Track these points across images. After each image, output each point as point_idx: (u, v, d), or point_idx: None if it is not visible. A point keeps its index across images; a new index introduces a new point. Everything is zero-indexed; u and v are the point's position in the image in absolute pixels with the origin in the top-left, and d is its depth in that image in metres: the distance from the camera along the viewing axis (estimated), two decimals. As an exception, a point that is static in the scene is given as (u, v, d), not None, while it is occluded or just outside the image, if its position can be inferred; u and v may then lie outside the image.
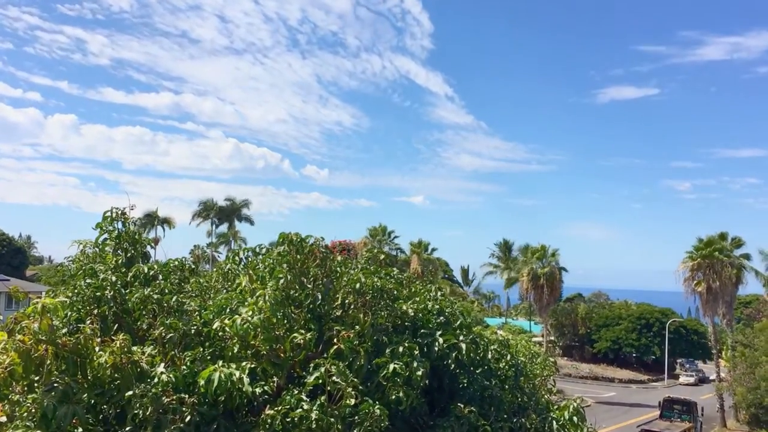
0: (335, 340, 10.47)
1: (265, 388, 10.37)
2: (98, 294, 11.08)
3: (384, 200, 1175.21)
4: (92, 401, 9.16)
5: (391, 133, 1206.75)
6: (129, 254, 12.47)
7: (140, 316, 11.20)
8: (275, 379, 10.62)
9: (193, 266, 13.78)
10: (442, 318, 12.65)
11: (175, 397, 9.22)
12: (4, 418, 8.93)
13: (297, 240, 11.45)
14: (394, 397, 10.34)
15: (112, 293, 11.11)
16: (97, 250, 12.75)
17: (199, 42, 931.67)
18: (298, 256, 11.36)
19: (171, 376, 9.37)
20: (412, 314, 12.33)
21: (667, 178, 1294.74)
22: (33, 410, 8.33)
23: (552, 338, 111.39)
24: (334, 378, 9.49)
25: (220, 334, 10.76)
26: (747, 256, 76.61)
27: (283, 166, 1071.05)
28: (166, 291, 11.40)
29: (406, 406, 10.42)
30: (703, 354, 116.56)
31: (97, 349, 9.20)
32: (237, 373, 9.44)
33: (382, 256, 15.33)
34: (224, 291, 12.96)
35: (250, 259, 13.46)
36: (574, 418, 12.55)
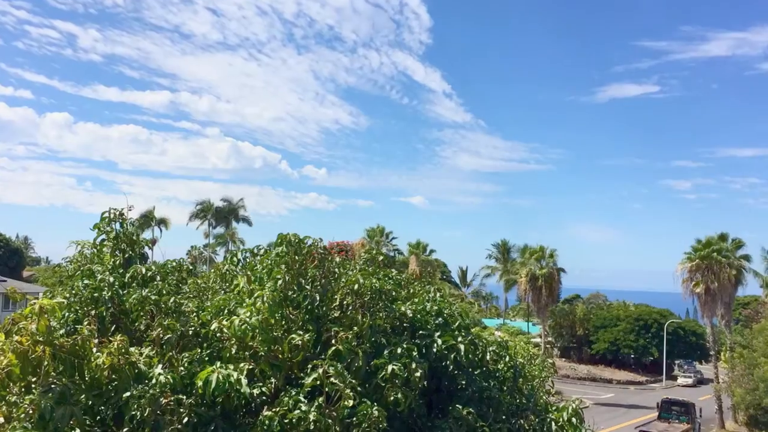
0: (333, 341, 10.46)
1: (263, 389, 10.36)
2: (96, 295, 11.06)
3: (383, 200, 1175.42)
4: (90, 402, 9.14)
5: (389, 132, 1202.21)
6: (127, 255, 12.46)
7: (138, 317, 11.19)
8: (273, 380, 10.60)
9: (190, 267, 13.77)
10: (440, 319, 12.65)
11: (172, 398, 9.22)
12: (1, 420, 8.92)
13: (295, 241, 11.44)
14: (392, 398, 10.32)
15: (109, 294, 11.08)
16: (95, 250, 12.73)
17: (191, 37, 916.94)
18: (297, 257, 11.35)
19: (169, 377, 9.35)
20: (411, 315, 12.32)
21: (667, 177, 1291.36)
22: (30, 411, 8.30)
23: (550, 339, 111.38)
24: (332, 379, 9.48)
25: (218, 335, 10.76)
26: (747, 257, 76.68)
27: (281, 166, 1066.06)
28: (164, 292, 11.38)
29: (404, 407, 10.41)
30: (702, 355, 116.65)
31: (94, 350, 9.19)
32: (235, 375, 9.43)
33: (381, 257, 15.30)
34: (222, 292, 12.95)
35: (248, 260, 13.45)
36: (573, 420, 12.55)
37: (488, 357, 13.14)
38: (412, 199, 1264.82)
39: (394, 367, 10.47)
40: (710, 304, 74.32)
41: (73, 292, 11.26)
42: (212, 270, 15.27)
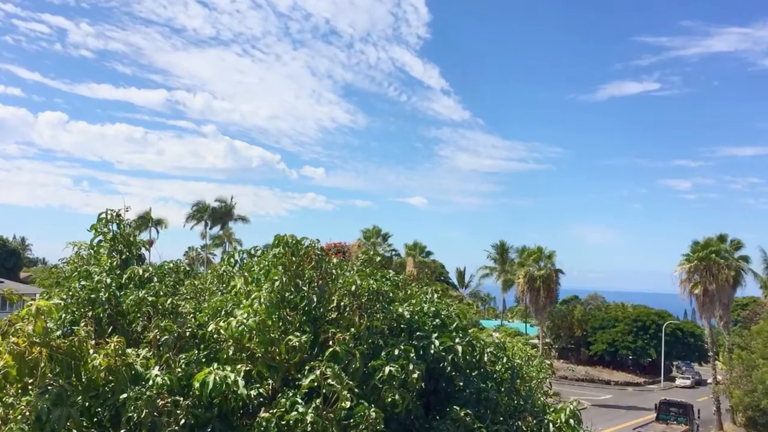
0: (331, 343, 10.45)
1: (260, 390, 10.34)
2: (93, 296, 11.03)
3: (381, 201, 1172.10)
4: (86, 404, 9.12)
5: (387, 131, 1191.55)
6: (124, 256, 12.43)
7: (135, 319, 11.17)
8: (270, 381, 10.58)
9: (187, 268, 13.75)
10: (438, 320, 12.65)
11: (169, 399, 9.20)
12: (-3, 421, 8.90)
13: (292, 242, 11.43)
14: (389, 399, 10.32)
15: (106, 295, 11.06)
16: (92, 252, 12.72)
17: (183, 32, 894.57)
18: (294, 258, 11.34)
19: (166, 378, 9.33)
20: (408, 317, 12.31)
21: (667, 177, 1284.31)
22: (27, 413, 8.27)
23: (548, 340, 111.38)
24: (329, 381, 9.46)
25: (215, 336, 10.74)
26: (746, 258, 76.80)
27: (278, 166, 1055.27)
28: (161, 293, 11.35)
29: (401, 408, 10.40)
30: (700, 356, 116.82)
31: (91, 351, 9.17)
32: (232, 376, 9.42)
33: (378, 258, 15.29)
34: (219, 293, 12.96)
35: (245, 261, 13.43)
36: (571, 421, 12.54)
37: (486, 358, 13.14)
38: (411, 200, 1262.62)
39: (392, 368, 10.46)
40: (708, 305, 74.47)
41: (70, 293, 11.23)
42: (209, 271, 15.27)
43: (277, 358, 10.49)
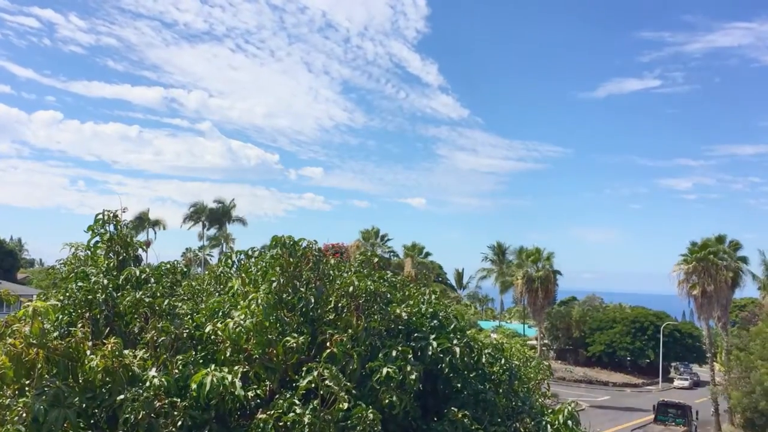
0: (328, 344, 10.44)
1: (258, 392, 10.34)
2: (90, 297, 11.02)
3: (379, 201, 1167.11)
4: (83, 405, 9.11)
5: (385, 129, 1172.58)
6: (121, 257, 12.43)
7: (132, 320, 11.16)
8: (268, 383, 10.58)
9: (185, 269, 13.73)
10: (435, 321, 12.62)
11: (166, 401, 9.19)
12: (-6, 422, 8.89)
13: (290, 243, 11.42)
14: (387, 401, 10.30)
15: (103, 296, 11.05)
16: (89, 253, 12.71)
17: (174, 26, 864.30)
18: (291, 260, 11.33)
19: (163, 379, 9.32)
20: (406, 318, 12.28)
21: (667, 177, 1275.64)
22: (24, 414, 8.26)
23: (546, 341, 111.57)
24: (327, 382, 9.44)
25: (212, 337, 10.74)
26: (744, 259, 76.80)
27: (275, 165, 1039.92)
28: (158, 294, 11.35)
29: (399, 410, 10.39)
30: (698, 357, 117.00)
31: (88, 352, 9.18)
32: (229, 377, 9.40)
33: (376, 259, 15.27)
34: (216, 294, 12.92)
35: (242, 262, 13.41)
36: (569, 422, 12.52)
37: (484, 359, 13.14)
38: (410, 200, 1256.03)
39: (389, 369, 10.44)
40: (707, 306, 74.48)
41: (67, 294, 11.22)
42: (206, 272, 15.26)
43: (275, 359, 10.48)
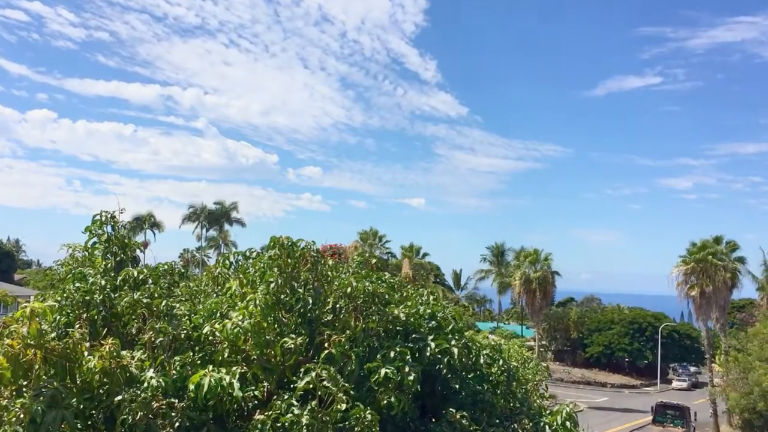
0: (326, 345, 10.43)
1: (256, 393, 10.32)
2: (87, 298, 11.02)
3: (378, 201, 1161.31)
4: (81, 406, 9.08)
5: (384, 128, 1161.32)
6: (118, 258, 12.42)
7: (129, 321, 11.16)
8: (265, 384, 10.57)
9: (182, 270, 13.74)
10: (433, 322, 12.61)
11: (164, 402, 9.17)
12: (-9, 423, 8.87)
13: (287, 244, 11.41)
14: (385, 402, 10.29)
15: (101, 297, 11.05)
16: (86, 253, 12.71)
17: (164, 19, 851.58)
18: (289, 260, 11.32)
19: (161, 380, 9.29)
20: (404, 319, 12.27)
21: (668, 176, 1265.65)
22: (21, 415, 8.24)
23: (544, 343, 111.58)
24: (325, 383, 9.43)
25: (210, 338, 10.72)
26: (742, 260, 76.96)
27: (272, 165, 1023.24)
28: (156, 295, 11.33)
29: (397, 411, 10.38)
30: (696, 358, 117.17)
31: (86, 353, 9.14)
32: (227, 378, 9.39)
33: (374, 260, 15.27)
34: (214, 295, 12.92)
35: (240, 263, 13.40)
36: (567, 423, 12.52)
37: (482, 360, 13.13)
38: (408, 200, 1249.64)
39: (387, 370, 10.43)
40: (705, 307, 74.60)
41: (65, 295, 11.21)
42: (204, 273, 15.25)
43: (273, 360, 10.47)
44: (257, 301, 10.50)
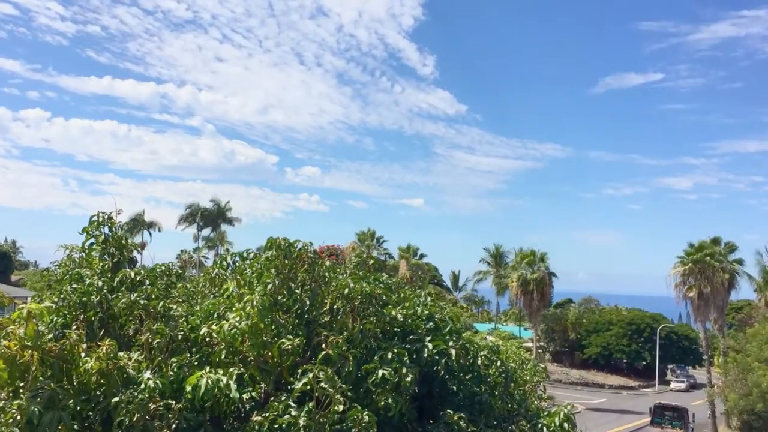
0: (323, 346, 10.42)
1: (253, 394, 10.35)
2: (84, 299, 11.02)
3: (376, 201, 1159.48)
4: (78, 407, 9.08)
5: (382, 126, 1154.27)
6: (115, 259, 12.41)
7: (126, 322, 11.14)
8: (263, 385, 10.57)
9: (179, 271, 13.72)
10: (431, 323, 12.60)
11: (161, 403, 9.16)
12: (-12, 425, 8.86)
13: (285, 245, 11.41)
14: (382, 403, 10.28)
15: (98, 298, 11.04)
16: (84, 254, 12.70)
17: (154, 13, 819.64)
18: (286, 261, 11.32)
19: (158, 382, 9.30)
20: (402, 320, 12.26)
21: (668, 175, 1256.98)
22: (18, 416, 8.22)
23: (542, 344, 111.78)
24: (322, 384, 9.43)
25: (207, 339, 10.73)
26: (740, 261, 77.05)
27: (269, 165, 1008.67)
28: (153, 296, 11.33)
29: (395, 412, 10.37)
30: (695, 360, 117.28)
31: (83, 354, 9.15)
32: (224, 379, 9.39)
33: (371, 261, 15.26)
34: (211, 296, 12.92)
35: (237, 264, 13.39)
36: (565, 425, 12.51)
37: (479, 362, 13.12)
38: (406, 201, 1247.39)
39: (385, 371, 10.43)
40: (703, 308, 74.60)
41: (62, 296, 11.21)
42: (202, 274, 15.25)
43: (270, 361, 10.47)
44: (254, 303, 10.48)
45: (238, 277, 12.12)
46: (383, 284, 13.16)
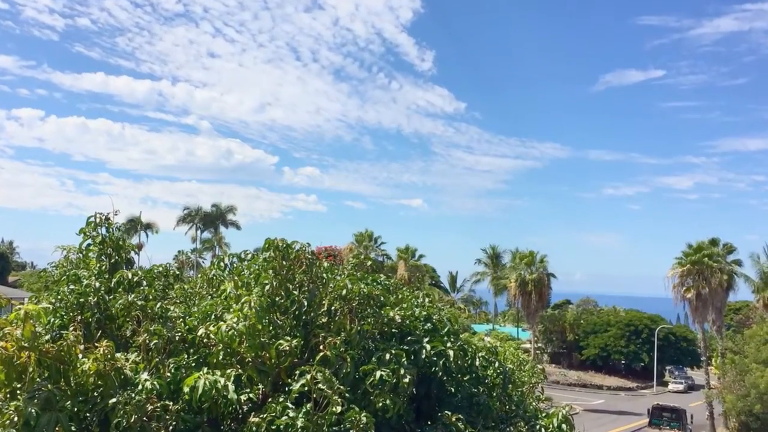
0: (321, 347, 10.41)
1: (251, 395, 10.33)
2: (82, 300, 11.01)
3: (375, 202, 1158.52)
4: (75, 408, 9.07)
5: (380, 124, 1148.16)
6: (113, 260, 12.39)
7: (124, 323, 11.14)
8: (260, 386, 10.56)
9: (177, 272, 13.73)
10: (429, 325, 12.60)
11: (159, 404, 9.14)
12: (-15, 426, 8.85)
13: (282, 246, 11.40)
14: (380, 404, 10.28)
15: (95, 299, 11.03)
16: (81, 255, 12.68)
17: (144, 6, 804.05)
18: (284, 262, 11.31)
19: (155, 383, 9.28)
20: (399, 321, 12.26)
21: (668, 175, 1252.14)
22: (15, 418, 8.21)
23: (540, 345, 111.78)
24: (320, 385, 9.41)
25: (204, 340, 10.71)
26: (738, 262, 77.12)
27: (268, 165, 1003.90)
28: (150, 297, 11.33)
29: (392, 413, 10.36)
30: (693, 361, 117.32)
31: (80, 356, 9.13)
32: (222, 381, 9.37)
33: (369, 262, 15.24)
34: (209, 297, 12.90)
35: (235, 265, 13.37)
36: (563, 426, 12.52)
37: (477, 363, 13.11)
38: (405, 201, 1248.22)
39: (383, 373, 10.42)
40: (701, 309, 74.61)
41: (59, 297, 11.20)
42: (199, 275, 15.22)
43: (268, 362, 10.45)
44: (252, 304, 10.47)
45: (236, 278, 12.11)
46: (381, 285, 13.17)
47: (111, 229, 12.42)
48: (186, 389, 9.31)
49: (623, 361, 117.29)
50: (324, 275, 12.02)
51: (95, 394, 9.18)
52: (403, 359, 10.88)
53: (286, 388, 10.02)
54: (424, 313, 12.83)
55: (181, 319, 11.29)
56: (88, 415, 9.38)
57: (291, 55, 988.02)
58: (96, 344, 9.41)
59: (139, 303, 11.03)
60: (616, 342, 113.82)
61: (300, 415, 9.29)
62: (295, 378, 9.72)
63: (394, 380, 10.46)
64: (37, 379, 8.67)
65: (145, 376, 9.42)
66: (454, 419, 11.15)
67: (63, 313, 11.08)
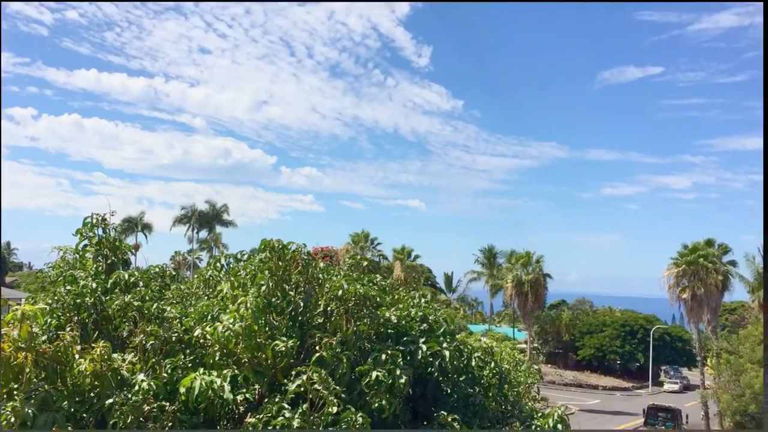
0: (317, 348, 10.42)
1: (247, 395, 10.33)
2: (78, 301, 11.02)
3: (372, 202, 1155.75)
4: (72, 409, 9.09)
5: (377, 123, 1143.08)
6: (109, 261, 12.41)
7: (121, 323, 11.15)
8: (257, 386, 10.57)
9: (173, 273, 13.74)
10: (425, 325, 12.60)
11: (155, 404, 9.17)
12: (-18, 426, 8.86)
13: (278, 247, 11.41)
14: (376, 404, 10.29)
15: (92, 300, 11.05)
16: (77, 256, 12.69)
17: None
18: (280, 263, 11.32)
19: (152, 383, 9.30)
20: (395, 321, 12.28)
21: (666, 174, 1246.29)
22: (12, 418, 8.24)
23: (536, 345, 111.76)
24: (316, 386, 9.42)
25: (201, 341, 10.72)
26: (733, 263, 77.12)
27: (265, 165, 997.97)
28: (147, 298, 11.35)
29: (388, 414, 10.37)
30: (688, 361, 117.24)
31: (77, 356, 9.15)
32: (218, 381, 9.40)
33: (365, 263, 15.26)
34: (205, 298, 12.92)
35: (231, 266, 13.39)
36: (559, 426, 12.52)
37: (473, 363, 13.13)
38: (402, 202, 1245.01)
39: (379, 373, 10.43)
40: (697, 309, 74.70)
41: (56, 298, 11.21)
42: (196, 276, 15.24)
43: (264, 363, 10.46)
44: (248, 304, 10.49)
45: (232, 278, 12.13)
46: (377, 286, 13.18)
47: (107, 230, 12.44)
48: (182, 390, 9.34)
49: (619, 362, 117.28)
50: (320, 276, 12.02)
51: (92, 394, 9.22)
52: (399, 360, 10.88)
53: (283, 389, 10.02)
54: (420, 313, 12.83)
55: (177, 320, 11.31)
56: (84, 415, 9.39)
57: (285, 51, 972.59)
58: (93, 345, 9.43)
59: (136, 304, 11.05)
60: (611, 342, 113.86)
61: (296, 416, 9.30)
62: (292, 378, 9.73)
63: (390, 381, 10.46)
64: (34, 380, 8.70)
65: (141, 376, 9.44)
66: (450, 419, 11.16)
67: (60, 314, 11.09)
